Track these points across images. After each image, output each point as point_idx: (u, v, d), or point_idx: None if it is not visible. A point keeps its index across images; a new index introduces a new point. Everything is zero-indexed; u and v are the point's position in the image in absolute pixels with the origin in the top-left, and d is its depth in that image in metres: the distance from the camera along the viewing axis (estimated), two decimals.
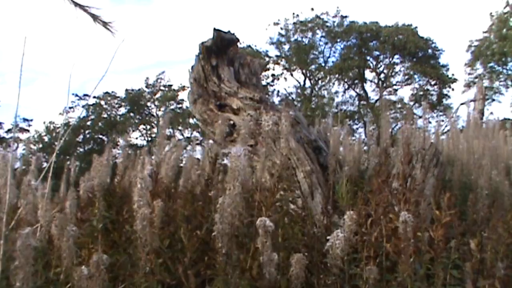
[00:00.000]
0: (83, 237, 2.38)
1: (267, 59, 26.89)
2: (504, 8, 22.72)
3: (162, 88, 29.91)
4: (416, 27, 26.88)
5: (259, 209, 2.27)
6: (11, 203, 2.27)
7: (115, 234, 2.48)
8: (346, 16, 27.66)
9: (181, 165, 3.59)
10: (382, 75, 28.67)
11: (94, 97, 27.75)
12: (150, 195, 2.38)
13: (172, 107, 29.38)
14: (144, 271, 2.02)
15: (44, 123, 28.34)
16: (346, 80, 28.62)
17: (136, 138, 28.98)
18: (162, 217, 2.15)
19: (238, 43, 4.14)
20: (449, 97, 27.35)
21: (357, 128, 26.83)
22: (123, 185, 2.95)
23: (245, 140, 2.52)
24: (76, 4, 2.20)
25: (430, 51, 27.25)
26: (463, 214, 3.10)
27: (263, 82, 25.97)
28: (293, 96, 28.94)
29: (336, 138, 3.80)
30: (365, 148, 4.47)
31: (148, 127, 30.22)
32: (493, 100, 24.10)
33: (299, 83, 29.19)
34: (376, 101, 28.02)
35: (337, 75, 28.11)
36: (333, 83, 28.65)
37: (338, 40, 27.96)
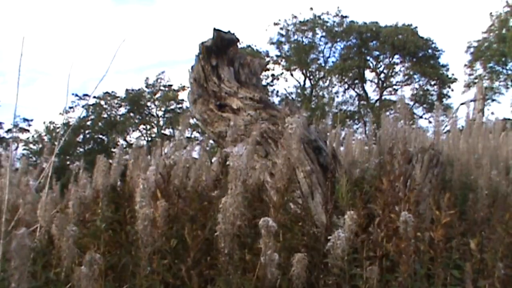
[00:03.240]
0: (86, 237, 2.38)
1: (267, 59, 26.89)
2: (504, 8, 22.72)
3: (162, 88, 29.93)
4: (416, 27, 26.93)
5: (267, 209, 2.26)
6: (11, 203, 2.27)
7: (118, 234, 2.47)
8: (346, 16, 27.70)
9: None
10: (382, 75, 28.69)
11: (94, 97, 27.79)
12: (160, 195, 2.38)
13: (172, 107, 29.39)
14: (147, 271, 2.02)
15: (44, 123, 28.38)
16: (346, 80, 28.63)
17: (136, 138, 28.99)
18: (165, 217, 2.15)
19: (238, 43, 4.14)
20: (449, 97, 27.42)
21: (357, 128, 26.86)
22: (129, 185, 2.94)
23: (251, 140, 2.52)
24: None
25: (430, 51, 27.28)
26: (463, 214, 3.10)
27: (263, 82, 25.96)
28: (293, 96, 28.96)
29: (337, 138, 3.81)
30: (366, 148, 4.47)
31: (148, 127, 30.23)
32: (493, 100, 24.12)
33: (299, 83, 29.22)
34: (376, 101, 28.04)
35: (337, 75, 28.11)
36: (335, 84, 28.69)
37: (338, 40, 27.97)
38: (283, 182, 2.29)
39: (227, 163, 2.82)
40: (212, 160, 3.79)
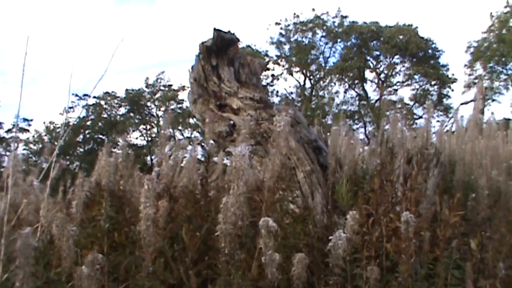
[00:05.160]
0: (88, 237, 2.38)
1: (267, 59, 26.87)
2: (504, 8, 22.73)
3: (162, 88, 29.89)
4: (416, 27, 26.90)
5: (259, 209, 2.26)
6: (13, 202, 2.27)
7: (118, 234, 2.47)
8: (346, 16, 27.67)
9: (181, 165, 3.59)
10: (382, 75, 28.66)
11: (95, 97, 27.76)
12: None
13: (172, 107, 29.36)
14: (147, 271, 2.02)
15: (44, 123, 28.38)
16: (346, 80, 28.62)
17: (136, 138, 29.01)
18: (165, 217, 2.15)
19: (238, 43, 4.14)
20: (449, 97, 27.40)
21: (357, 128, 26.85)
22: (124, 185, 2.94)
23: (246, 140, 2.51)
24: None
25: (430, 51, 27.25)
26: (464, 214, 3.10)
27: (263, 82, 25.97)
28: (293, 96, 28.95)
29: (336, 138, 3.79)
30: (366, 147, 4.46)
31: (148, 127, 30.20)
32: (493, 100, 24.13)
33: (299, 83, 29.20)
34: (376, 101, 28.03)
35: (337, 75, 28.10)
36: (334, 83, 28.67)
37: (339, 40, 27.95)
38: (273, 179, 2.30)
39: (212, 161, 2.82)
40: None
